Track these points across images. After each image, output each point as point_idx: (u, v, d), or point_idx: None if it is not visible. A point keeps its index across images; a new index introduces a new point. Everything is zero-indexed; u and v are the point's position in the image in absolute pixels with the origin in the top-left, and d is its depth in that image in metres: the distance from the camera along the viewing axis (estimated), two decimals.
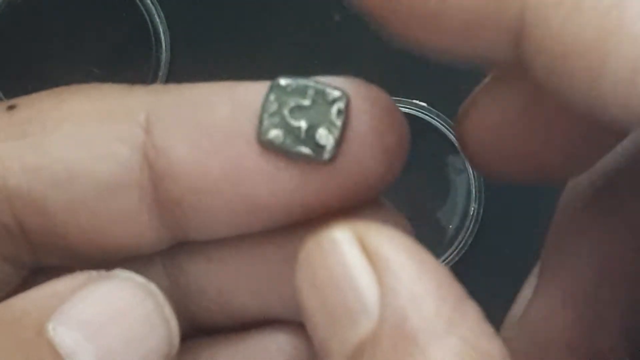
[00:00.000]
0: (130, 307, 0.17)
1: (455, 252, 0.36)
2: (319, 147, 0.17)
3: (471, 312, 0.16)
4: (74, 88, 0.19)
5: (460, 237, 0.36)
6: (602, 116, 0.14)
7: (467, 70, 0.40)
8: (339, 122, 0.17)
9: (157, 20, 0.35)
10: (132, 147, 0.18)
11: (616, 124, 0.14)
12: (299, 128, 0.17)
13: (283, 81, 0.18)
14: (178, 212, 0.18)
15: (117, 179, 0.18)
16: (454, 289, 0.16)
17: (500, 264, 0.37)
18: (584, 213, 0.19)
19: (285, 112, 0.17)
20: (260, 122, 0.17)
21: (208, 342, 0.20)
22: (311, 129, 0.17)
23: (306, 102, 0.17)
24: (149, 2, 0.35)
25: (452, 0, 0.15)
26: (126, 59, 0.36)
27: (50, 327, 0.16)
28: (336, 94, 0.17)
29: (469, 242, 0.36)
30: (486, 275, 0.37)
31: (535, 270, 0.21)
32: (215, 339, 0.20)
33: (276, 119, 0.17)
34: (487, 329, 0.16)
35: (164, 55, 0.35)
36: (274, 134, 0.17)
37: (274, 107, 0.17)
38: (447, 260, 0.36)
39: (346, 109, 0.17)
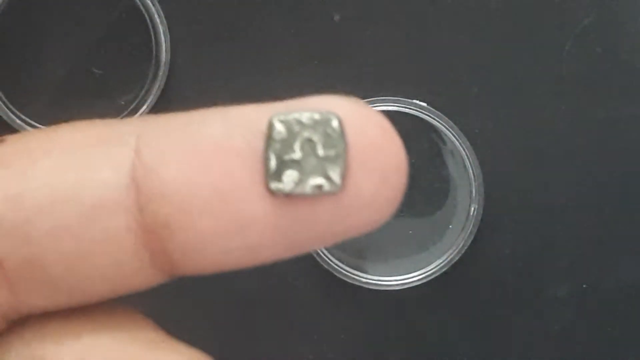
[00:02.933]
0: None
1: (455, 252, 0.36)
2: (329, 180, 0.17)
3: None
4: (64, 124, 0.19)
5: (460, 237, 0.36)
6: None
7: (467, 70, 0.40)
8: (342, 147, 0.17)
9: (157, 20, 0.35)
10: (120, 168, 0.17)
11: None
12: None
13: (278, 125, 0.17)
14: (166, 236, 0.17)
15: (102, 201, 0.17)
16: None
17: (500, 264, 0.37)
18: None
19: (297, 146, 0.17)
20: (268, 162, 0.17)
21: None
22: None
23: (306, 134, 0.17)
24: (149, 2, 0.35)
25: None
26: (126, 59, 0.36)
27: None
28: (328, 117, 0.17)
29: (469, 242, 0.36)
30: (486, 275, 0.37)
31: None
32: None
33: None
34: None
35: (164, 55, 0.35)
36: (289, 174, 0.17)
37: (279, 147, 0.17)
38: (447, 260, 0.36)
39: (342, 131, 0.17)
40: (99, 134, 0.18)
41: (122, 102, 0.35)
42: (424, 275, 0.36)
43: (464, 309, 0.37)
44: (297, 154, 0.17)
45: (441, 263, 0.36)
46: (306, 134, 0.17)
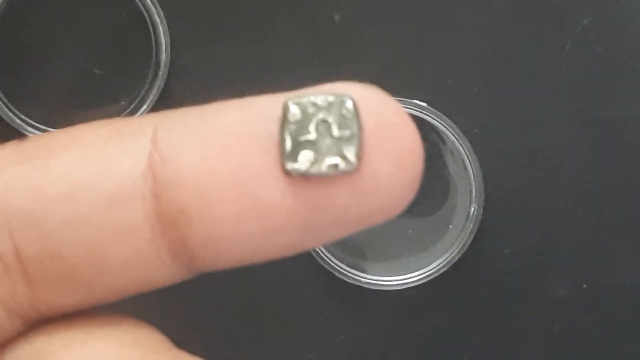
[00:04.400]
0: None
1: (455, 252, 0.36)
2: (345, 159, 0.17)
3: None
4: (86, 123, 0.19)
5: (460, 237, 0.36)
6: None
7: (467, 70, 0.40)
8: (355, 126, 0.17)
9: (157, 20, 0.35)
10: (137, 157, 0.18)
11: None
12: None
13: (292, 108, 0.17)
14: (183, 223, 0.18)
15: (120, 190, 0.18)
16: None
17: (500, 264, 0.37)
18: None
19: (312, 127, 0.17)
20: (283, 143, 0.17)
21: None
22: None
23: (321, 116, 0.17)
24: (149, 2, 0.35)
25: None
26: (126, 60, 0.36)
27: None
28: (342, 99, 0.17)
29: (469, 242, 0.36)
30: (486, 275, 0.37)
31: None
32: None
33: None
34: None
35: (164, 56, 0.35)
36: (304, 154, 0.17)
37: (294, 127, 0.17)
38: (447, 260, 0.36)
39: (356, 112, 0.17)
40: (117, 128, 0.18)
41: (122, 102, 0.35)
42: (424, 275, 0.36)
43: (464, 309, 0.37)
44: (312, 135, 0.17)
45: (441, 263, 0.36)
46: (321, 115, 0.17)
